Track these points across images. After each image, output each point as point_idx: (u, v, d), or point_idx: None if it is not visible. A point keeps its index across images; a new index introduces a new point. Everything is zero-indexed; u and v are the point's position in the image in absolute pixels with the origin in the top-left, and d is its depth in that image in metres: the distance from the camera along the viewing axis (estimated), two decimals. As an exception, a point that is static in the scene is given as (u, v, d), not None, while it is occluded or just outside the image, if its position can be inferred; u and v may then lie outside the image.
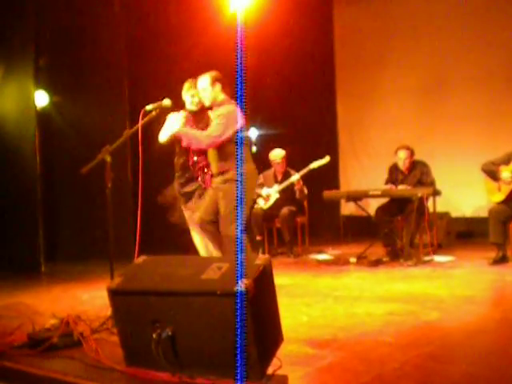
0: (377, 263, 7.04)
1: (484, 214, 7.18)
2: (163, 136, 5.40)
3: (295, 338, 3.63)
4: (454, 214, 9.02)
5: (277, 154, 8.41)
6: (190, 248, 5.90)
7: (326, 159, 7.95)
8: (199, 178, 5.69)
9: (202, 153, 5.59)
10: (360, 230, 9.15)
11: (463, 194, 9.18)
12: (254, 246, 8.02)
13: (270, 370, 2.93)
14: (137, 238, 4.22)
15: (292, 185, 8.15)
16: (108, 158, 4.20)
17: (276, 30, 9.26)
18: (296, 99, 10.32)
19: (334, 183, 10.40)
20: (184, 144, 5.30)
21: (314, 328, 4.02)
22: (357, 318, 4.30)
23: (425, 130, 9.59)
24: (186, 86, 5.69)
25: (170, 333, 2.94)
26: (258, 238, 8.22)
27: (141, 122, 4.33)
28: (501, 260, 6.67)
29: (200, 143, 5.30)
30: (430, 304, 4.66)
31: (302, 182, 8.17)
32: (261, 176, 8.63)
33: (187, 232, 5.83)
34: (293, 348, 3.42)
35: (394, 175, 7.69)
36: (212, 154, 5.48)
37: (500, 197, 6.82)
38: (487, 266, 6.56)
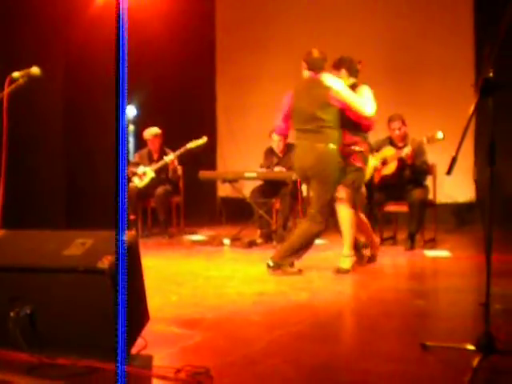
0: (250, 245, 7.06)
1: (355, 199, 7.34)
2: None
3: (163, 318, 3.56)
4: (327, 198, 9.19)
5: (149, 131, 8.25)
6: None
7: (203, 140, 7.87)
8: None
9: None
10: (235, 211, 9.13)
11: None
12: (128, 226, 7.82)
13: (134, 350, 2.84)
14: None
15: (167, 164, 8.02)
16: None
17: (157, 11, 9.06)
18: (176, 80, 10.17)
19: (212, 165, 10.35)
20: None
21: (182, 307, 3.95)
22: (227, 297, 4.27)
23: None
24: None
25: (28, 311, 2.78)
26: (132, 217, 8.03)
27: (6, 90, 4.07)
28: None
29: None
30: (300, 285, 4.71)
31: (176, 163, 8.05)
32: (136, 155, 8.47)
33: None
34: (159, 327, 3.34)
35: (270, 158, 7.74)
36: None
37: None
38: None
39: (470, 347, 2.69)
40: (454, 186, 8.51)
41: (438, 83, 9.00)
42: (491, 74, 2.58)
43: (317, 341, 3.23)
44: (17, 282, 2.83)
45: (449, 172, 2.50)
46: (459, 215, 9.11)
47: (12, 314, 2.76)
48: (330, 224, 8.76)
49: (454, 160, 2.50)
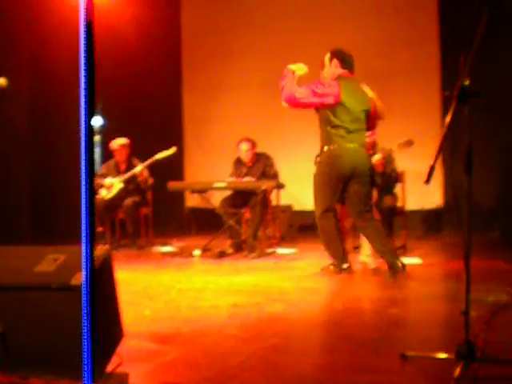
0: (221, 255, 7.01)
1: (325, 207, 7.33)
2: None
3: (137, 333, 3.48)
4: (297, 207, 9.18)
5: (116, 141, 8.16)
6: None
7: (172, 150, 7.81)
8: None
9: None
10: (205, 222, 9.09)
11: (305, 188, 9.30)
12: (96, 238, 7.74)
13: (109, 368, 2.76)
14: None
15: (136, 175, 7.92)
16: None
17: (123, 19, 8.99)
18: (142, 90, 10.08)
19: (179, 175, 10.28)
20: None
21: (156, 322, 3.88)
22: (201, 310, 4.21)
23: (269, 125, 9.68)
24: None
25: (0, 330, 2.69)
26: (100, 229, 7.93)
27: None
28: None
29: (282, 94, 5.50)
30: (274, 296, 4.66)
31: (146, 173, 7.97)
32: (103, 166, 8.37)
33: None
34: (134, 343, 3.27)
35: (239, 168, 7.70)
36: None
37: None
38: (328, 258, 6.70)
39: (450, 356, 2.68)
40: (422, 192, 8.57)
41: (405, 90, 9.08)
42: (467, 83, 2.57)
43: (294, 353, 3.19)
44: (-13, 300, 2.73)
45: (427, 181, 2.49)
46: (427, 222, 9.18)
47: (-17, 333, 2.68)
48: (296, 233, 8.81)
49: (432, 169, 2.49)
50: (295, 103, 5.43)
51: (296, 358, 3.09)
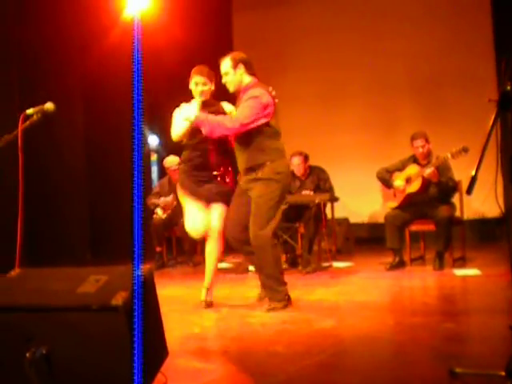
0: (276, 271, 6.94)
1: (381, 219, 7.23)
2: (177, 130, 4.98)
3: (184, 351, 3.47)
4: (353, 219, 9.08)
5: (172, 160, 8.20)
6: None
7: None
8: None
9: (223, 152, 5.05)
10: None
11: (361, 200, 9.28)
12: (153, 257, 7.88)
13: (153, 387, 2.76)
14: (17, 250, 3.94)
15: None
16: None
17: (174, 35, 9.08)
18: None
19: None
20: (205, 132, 4.69)
21: (204, 340, 3.87)
22: (250, 327, 4.17)
23: (324, 138, 9.64)
24: (192, 73, 5.33)
25: (44, 351, 2.71)
26: (158, 249, 8.02)
27: (21, 127, 4.05)
28: (397, 265, 6.73)
29: (224, 128, 4.65)
30: (325, 311, 4.59)
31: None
32: (157, 185, 8.46)
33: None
34: (180, 362, 3.26)
35: (292, 182, 7.64)
36: (239, 148, 4.88)
37: (395, 203, 6.89)
38: (384, 271, 6.60)
39: (501, 373, 2.56)
40: (481, 201, 8.35)
41: (460, 97, 8.92)
42: (509, 88, 2.48)
43: (340, 371, 3.12)
44: (32, 321, 2.76)
45: (469, 191, 2.41)
46: (488, 231, 8.93)
47: (28, 354, 2.70)
48: (352, 246, 8.67)
49: (473, 179, 2.41)
50: (246, 127, 4.69)
51: (342, 375, 3.02)
